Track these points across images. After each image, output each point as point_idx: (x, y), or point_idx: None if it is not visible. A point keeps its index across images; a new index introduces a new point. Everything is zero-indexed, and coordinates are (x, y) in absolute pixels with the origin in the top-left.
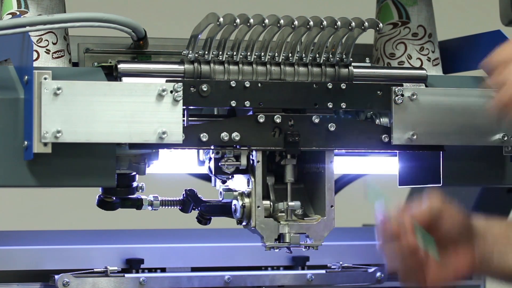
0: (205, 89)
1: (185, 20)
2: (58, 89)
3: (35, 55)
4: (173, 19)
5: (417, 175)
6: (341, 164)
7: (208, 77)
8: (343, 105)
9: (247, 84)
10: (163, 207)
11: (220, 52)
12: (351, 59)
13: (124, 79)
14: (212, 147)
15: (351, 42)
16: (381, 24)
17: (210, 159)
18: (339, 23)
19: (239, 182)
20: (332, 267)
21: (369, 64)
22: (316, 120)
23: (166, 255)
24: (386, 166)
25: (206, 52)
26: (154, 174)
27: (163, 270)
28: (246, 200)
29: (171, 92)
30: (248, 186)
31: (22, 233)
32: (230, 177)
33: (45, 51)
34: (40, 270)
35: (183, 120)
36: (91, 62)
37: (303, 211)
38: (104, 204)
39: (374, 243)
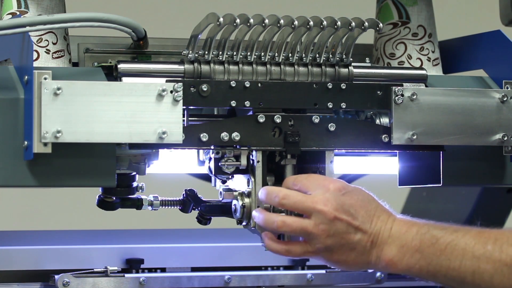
0: (205, 89)
1: (185, 20)
2: (58, 89)
3: (35, 55)
4: (173, 19)
5: (417, 175)
6: (341, 164)
7: (208, 77)
8: (343, 105)
9: (247, 84)
10: (163, 207)
11: (220, 52)
12: (351, 59)
13: (124, 79)
14: (212, 147)
15: (351, 42)
16: (381, 24)
17: (210, 159)
18: (339, 23)
19: (239, 182)
20: (332, 267)
21: (369, 64)
22: (316, 120)
23: (166, 255)
24: (386, 166)
25: (206, 52)
26: (154, 174)
27: (163, 270)
28: (246, 200)
29: (171, 92)
30: (248, 186)
31: (22, 233)
32: (230, 177)
33: (45, 51)
34: (40, 270)
35: (183, 120)
36: (91, 62)
37: None
38: (104, 204)
39: None
